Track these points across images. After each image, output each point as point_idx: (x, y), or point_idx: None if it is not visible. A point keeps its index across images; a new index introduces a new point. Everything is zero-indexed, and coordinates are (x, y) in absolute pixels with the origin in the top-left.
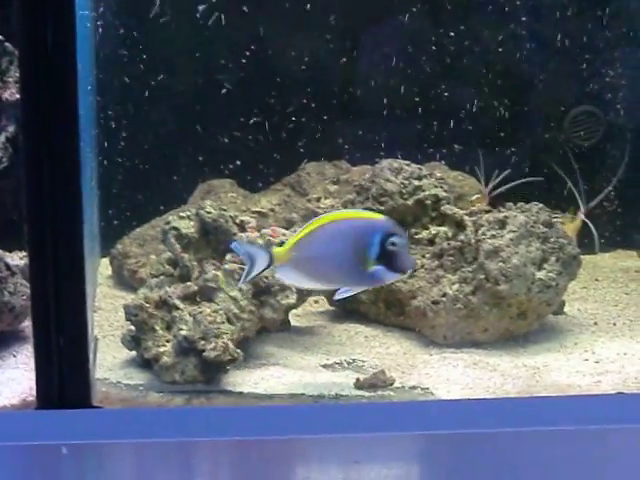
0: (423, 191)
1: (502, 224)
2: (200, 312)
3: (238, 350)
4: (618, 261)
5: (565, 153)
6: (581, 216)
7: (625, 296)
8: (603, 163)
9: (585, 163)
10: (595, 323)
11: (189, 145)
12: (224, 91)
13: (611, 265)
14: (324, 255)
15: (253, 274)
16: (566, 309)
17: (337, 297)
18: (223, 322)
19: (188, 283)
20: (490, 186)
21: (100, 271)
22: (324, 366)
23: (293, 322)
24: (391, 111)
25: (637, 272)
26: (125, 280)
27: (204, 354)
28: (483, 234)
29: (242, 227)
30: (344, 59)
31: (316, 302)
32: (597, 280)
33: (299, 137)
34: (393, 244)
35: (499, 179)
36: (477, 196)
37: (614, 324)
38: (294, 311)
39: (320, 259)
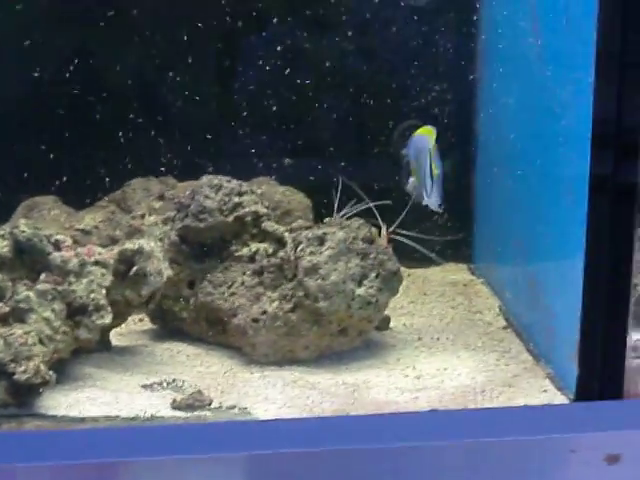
0: (243, 208)
1: (321, 241)
2: (11, 334)
3: (50, 372)
4: (448, 275)
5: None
6: (384, 231)
7: (451, 310)
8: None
9: None
10: (419, 338)
11: (13, 160)
12: (49, 104)
13: (440, 279)
14: None
15: None
16: (392, 324)
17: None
18: (35, 344)
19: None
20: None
21: None
22: (143, 386)
23: (115, 341)
24: (223, 125)
25: (465, 286)
26: None
27: (15, 377)
28: (302, 251)
29: (57, 246)
30: (173, 73)
31: (140, 320)
32: (425, 294)
33: (127, 152)
34: None
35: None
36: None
37: (438, 339)
38: (117, 330)
39: None
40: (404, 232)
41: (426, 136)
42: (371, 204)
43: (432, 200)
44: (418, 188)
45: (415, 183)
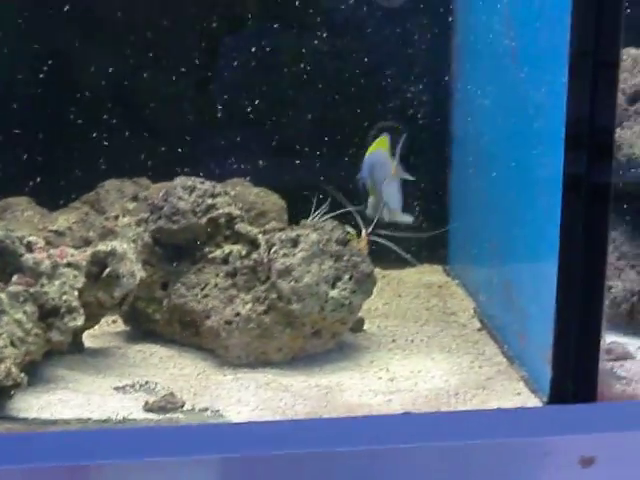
0: (217, 209)
1: (294, 243)
2: None
3: (22, 374)
4: (423, 276)
5: None
6: (364, 233)
7: (426, 312)
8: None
9: None
10: (393, 340)
11: None
12: (23, 105)
13: (416, 281)
14: None
15: None
16: (366, 326)
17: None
18: (6, 346)
19: None
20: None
21: None
22: (115, 389)
23: (88, 343)
24: (198, 126)
25: (440, 287)
26: None
27: None
28: (275, 253)
29: (30, 248)
30: (147, 74)
31: (113, 322)
32: (400, 296)
33: (101, 153)
34: None
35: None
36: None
37: (412, 341)
38: (90, 331)
39: None
40: (382, 232)
41: (377, 150)
42: (352, 208)
43: (395, 209)
44: (378, 206)
45: (373, 202)
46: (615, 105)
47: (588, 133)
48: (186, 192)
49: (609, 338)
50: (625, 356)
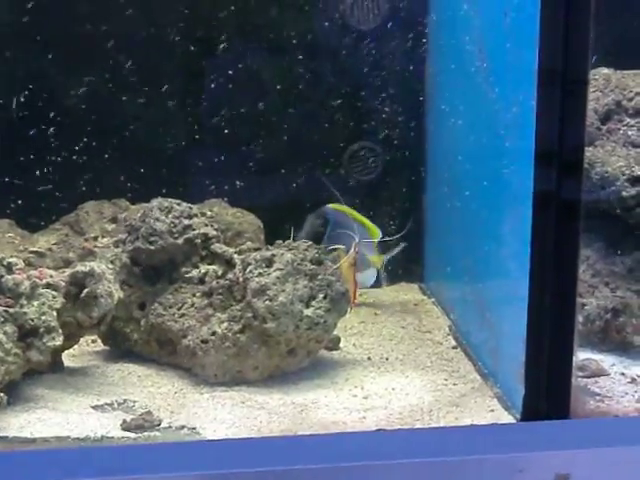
0: (193, 230)
1: (269, 262)
2: None
3: (1, 394)
4: (399, 294)
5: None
6: (354, 253)
7: (401, 330)
8: (383, 197)
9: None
10: (369, 358)
11: None
12: (1, 128)
13: (392, 299)
14: None
15: None
16: (342, 344)
17: None
18: None
19: None
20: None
21: None
22: (94, 407)
23: (67, 362)
24: (176, 148)
25: (416, 305)
26: None
27: None
28: (250, 272)
29: (10, 269)
30: (125, 97)
31: (93, 342)
32: (376, 314)
33: (81, 175)
34: None
35: None
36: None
37: (387, 359)
38: (70, 351)
39: None
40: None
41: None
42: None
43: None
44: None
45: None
46: (584, 122)
47: (558, 151)
48: (163, 213)
49: (583, 355)
50: (599, 373)
